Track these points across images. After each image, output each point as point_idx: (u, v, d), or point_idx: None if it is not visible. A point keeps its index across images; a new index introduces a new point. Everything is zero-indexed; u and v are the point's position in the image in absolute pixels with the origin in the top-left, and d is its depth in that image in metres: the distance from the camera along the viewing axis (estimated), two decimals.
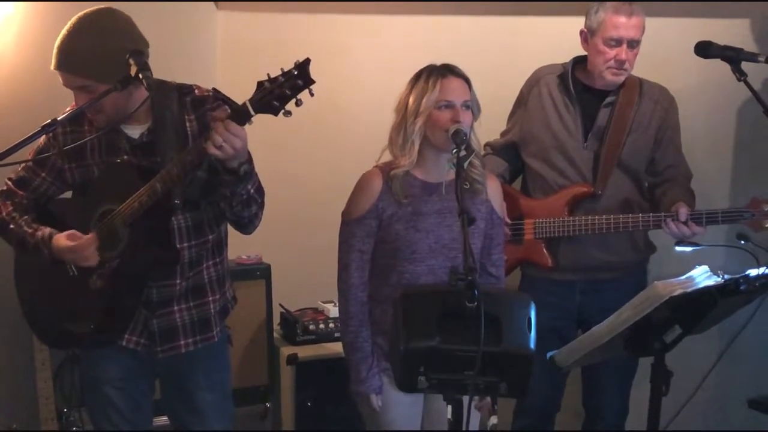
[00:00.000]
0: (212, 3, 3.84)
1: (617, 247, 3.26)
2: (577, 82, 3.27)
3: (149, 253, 2.54)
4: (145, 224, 2.49)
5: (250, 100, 2.28)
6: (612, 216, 3.14)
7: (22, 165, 2.65)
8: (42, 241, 2.60)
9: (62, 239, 2.56)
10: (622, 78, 3.20)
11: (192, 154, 2.39)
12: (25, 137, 2.40)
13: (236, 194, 2.45)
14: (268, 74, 2.26)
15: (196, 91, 2.63)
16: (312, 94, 2.27)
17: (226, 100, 2.30)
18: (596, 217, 3.16)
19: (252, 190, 2.48)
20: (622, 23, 3.12)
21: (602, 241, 3.23)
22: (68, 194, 2.76)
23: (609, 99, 3.24)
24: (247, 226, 2.60)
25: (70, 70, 2.48)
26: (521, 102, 3.39)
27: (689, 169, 3.31)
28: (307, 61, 2.26)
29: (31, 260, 2.67)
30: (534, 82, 3.35)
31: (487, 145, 3.45)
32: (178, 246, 2.58)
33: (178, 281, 2.61)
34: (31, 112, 2.68)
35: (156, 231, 2.53)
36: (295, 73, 2.24)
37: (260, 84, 2.28)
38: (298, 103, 2.26)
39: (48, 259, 2.60)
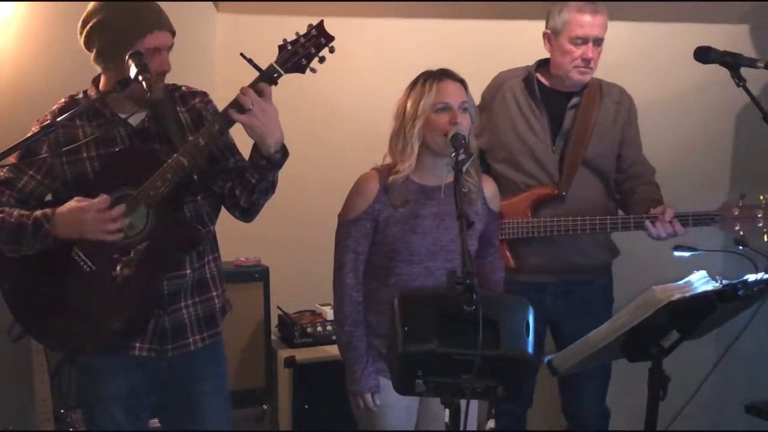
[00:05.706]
0: (212, 5, 3.84)
1: (586, 249, 3.27)
2: (541, 85, 3.27)
3: (174, 233, 2.51)
4: (166, 204, 2.46)
5: (277, 61, 2.39)
6: (578, 218, 3.13)
7: (5, 167, 2.51)
8: (44, 217, 2.40)
9: (72, 202, 2.38)
10: (588, 77, 3.21)
11: (219, 121, 2.42)
12: (24, 138, 2.40)
13: (264, 180, 2.48)
14: (284, 39, 2.40)
15: (183, 87, 2.67)
16: (332, 51, 2.42)
17: (252, 63, 2.38)
18: (559, 219, 3.16)
19: (275, 180, 2.54)
20: (587, 22, 3.13)
21: (571, 243, 3.23)
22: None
23: (574, 101, 3.25)
24: (254, 214, 2.62)
25: (169, 28, 2.53)
26: (483, 107, 3.31)
27: (650, 164, 3.33)
28: (321, 21, 2.43)
29: (21, 264, 2.51)
30: (497, 86, 3.33)
31: None
32: None
33: (188, 271, 2.59)
34: (31, 112, 2.68)
35: (175, 210, 2.51)
36: (315, 33, 2.41)
37: (282, 47, 2.40)
38: (322, 60, 2.42)
39: (49, 241, 2.41)
